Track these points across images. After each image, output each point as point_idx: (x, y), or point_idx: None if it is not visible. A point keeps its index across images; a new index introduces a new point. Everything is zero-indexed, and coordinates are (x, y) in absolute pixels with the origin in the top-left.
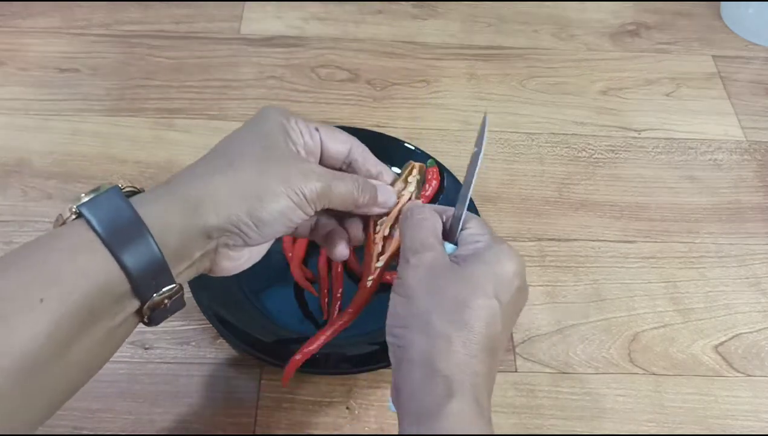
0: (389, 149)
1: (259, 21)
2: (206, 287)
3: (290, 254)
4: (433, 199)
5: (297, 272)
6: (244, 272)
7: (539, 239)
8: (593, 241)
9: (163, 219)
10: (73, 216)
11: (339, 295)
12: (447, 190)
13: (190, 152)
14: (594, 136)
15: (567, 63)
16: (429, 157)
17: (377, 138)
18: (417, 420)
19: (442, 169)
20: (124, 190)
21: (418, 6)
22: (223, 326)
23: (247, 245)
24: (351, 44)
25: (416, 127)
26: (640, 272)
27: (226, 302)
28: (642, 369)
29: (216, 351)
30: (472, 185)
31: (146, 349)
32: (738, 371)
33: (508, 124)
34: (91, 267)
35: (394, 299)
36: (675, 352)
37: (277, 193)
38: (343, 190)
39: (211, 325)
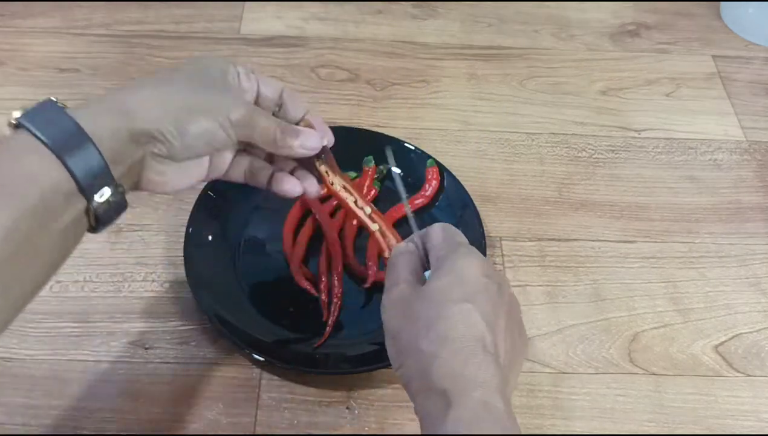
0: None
1: (259, 21)
2: (206, 287)
3: (290, 254)
4: (433, 199)
5: (297, 272)
6: (244, 271)
7: (539, 239)
8: (593, 241)
9: (95, 124)
10: (11, 130)
11: (339, 295)
12: (447, 190)
13: None
14: (594, 136)
15: (567, 63)
16: (429, 157)
17: (377, 138)
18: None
19: (442, 169)
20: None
21: (418, 6)
22: (223, 326)
23: (171, 157)
24: (351, 44)
25: (416, 127)
26: (640, 272)
27: (226, 302)
28: (642, 369)
29: (216, 351)
30: (409, 208)
31: (146, 349)
32: (738, 371)
33: (508, 124)
34: (41, 170)
35: (387, 342)
36: (675, 352)
37: (204, 109)
38: (264, 124)
39: (211, 325)
